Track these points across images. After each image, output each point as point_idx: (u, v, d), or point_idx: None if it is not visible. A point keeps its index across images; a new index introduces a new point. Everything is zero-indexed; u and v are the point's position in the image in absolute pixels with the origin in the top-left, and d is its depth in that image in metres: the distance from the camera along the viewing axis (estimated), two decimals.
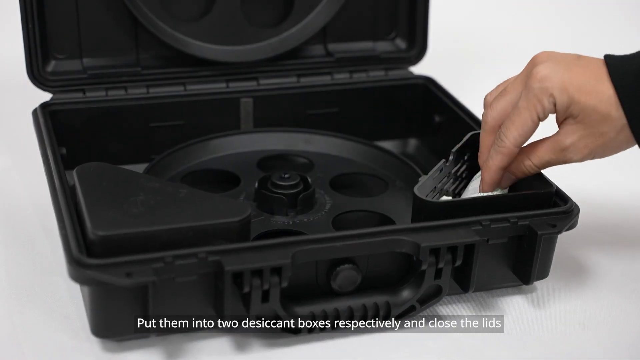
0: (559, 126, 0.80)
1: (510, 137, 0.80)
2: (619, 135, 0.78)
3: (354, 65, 1.05)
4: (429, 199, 0.80)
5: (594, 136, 0.78)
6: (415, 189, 0.80)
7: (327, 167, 0.98)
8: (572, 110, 0.78)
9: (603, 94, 0.77)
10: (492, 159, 0.82)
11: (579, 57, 0.80)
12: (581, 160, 0.80)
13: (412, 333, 0.80)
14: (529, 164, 0.81)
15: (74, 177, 0.79)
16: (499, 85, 0.84)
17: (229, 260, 0.72)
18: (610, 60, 0.78)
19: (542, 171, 0.83)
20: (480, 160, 0.84)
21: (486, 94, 0.85)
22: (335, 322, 0.77)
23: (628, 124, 0.77)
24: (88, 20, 0.97)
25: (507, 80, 0.84)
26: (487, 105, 0.84)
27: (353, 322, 0.77)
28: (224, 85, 1.01)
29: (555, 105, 0.78)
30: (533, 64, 0.80)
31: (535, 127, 0.79)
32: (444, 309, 0.82)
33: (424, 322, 0.81)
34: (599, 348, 0.79)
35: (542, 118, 0.79)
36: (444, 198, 0.84)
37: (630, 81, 0.76)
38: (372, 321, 0.78)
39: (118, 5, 0.97)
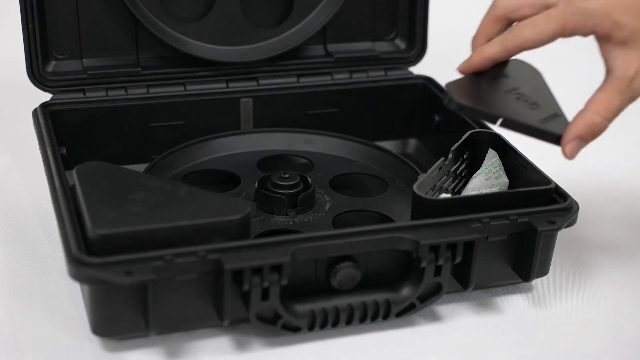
0: (605, 60, 0.77)
1: (523, 37, 0.77)
2: None
3: (354, 66, 1.05)
4: (428, 196, 0.80)
5: None
6: (415, 187, 0.80)
7: (327, 167, 0.98)
8: (619, 35, 0.75)
9: None
10: (491, 46, 0.79)
11: None
12: None
13: (412, 332, 0.80)
14: (598, 119, 0.76)
15: (73, 176, 0.79)
16: None
17: (228, 258, 0.72)
18: None
19: (541, 168, 0.83)
20: (474, 43, 0.81)
21: None
22: (335, 319, 0.77)
23: None
24: (88, 20, 0.97)
25: None
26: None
27: (353, 319, 0.77)
28: (224, 85, 1.01)
29: (595, 29, 0.75)
30: None
31: (551, 41, 0.76)
32: (443, 308, 0.82)
33: (423, 321, 0.81)
34: (599, 348, 0.79)
35: (566, 36, 0.76)
36: (443, 196, 0.84)
37: None
38: (372, 319, 0.78)
39: (118, 5, 0.97)
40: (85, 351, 0.76)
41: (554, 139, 0.79)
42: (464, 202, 0.80)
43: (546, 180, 0.82)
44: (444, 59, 1.08)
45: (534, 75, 0.88)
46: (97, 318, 0.74)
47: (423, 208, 0.80)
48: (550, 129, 0.79)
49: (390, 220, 0.89)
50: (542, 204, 0.81)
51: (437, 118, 1.03)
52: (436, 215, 0.78)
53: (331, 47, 1.06)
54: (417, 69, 1.08)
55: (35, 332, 0.78)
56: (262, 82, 1.02)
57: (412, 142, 1.09)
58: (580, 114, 0.77)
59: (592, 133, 0.77)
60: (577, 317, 0.83)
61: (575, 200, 0.82)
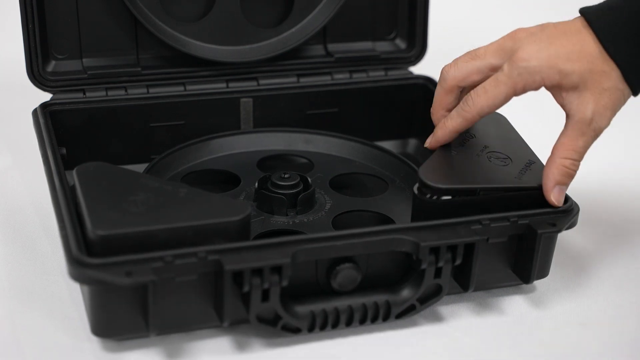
0: (562, 106, 0.80)
1: (479, 106, 0.80)
2: (624, 84, 0.78)
3: (354, 65, 1.05)
4: (428, 198, 0.80)
5: (604, 95, 0.78)
6: (415, 188, 0.80)
7: (327, 167, 0.98)
8: (569, 82, 0.78)
9: (591, 54, 0.77)
10: (452, 120, 0.82)
11: (555, 25, 0.80)
12: (609, 123, 0.79)
13: (412, 333, 0.80)
14: (569, 162, 0.80)
15: (73, 176, 0.79)
16: (462, 57, 0.84)
17: (228, 260, 0.72)
18: (589, 15, 0.79)
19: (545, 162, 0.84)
20: (434, 116, 0.85)
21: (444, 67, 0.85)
22: (335, 321, 0.77)
23: (622, 74, 0.78)
24: (88, 20, 0.96)
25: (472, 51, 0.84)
26: (447, 67, 0.84)
27: (353, 321, 0.77)
28: (224, 85, 1.01)
29: (543, 82, 0.78)
30: (513, 41, 0.79)
31: (505, 103, 0.80)
32: (444, 308, 0.82)
33: (424, 321, 0.81)
34: (599, 348, 0.79)
35: (518, 94, 0.79)
36: (444, 197, 0.84)
37: (613, 31, 0.77)
38: (372, 320, 0.78)
39: (118, 5, 0.96)
40: (85, 351, 0.76)
41: (534, 190, 0.81)
42: (465, 204, 0.80)
43: None
44: (444, 59, 1.08)
45: (499, 123, 0.91)
46: (97, 319, 0.74)
47: (423, 209, 0.80)
48: (529, 183, 0.82)
49: (391, 220, 0.89)
50: (542, 206, 0.81)
51: None
52: (436, 216, 0.78)
53: (331, 47, 1.06)
54: (417, 69, 1.08)
55: (35, 332, 0.78)
56: (262, 82, 1.02)
57: (412, 142, 1.09)
58: (550, 161, 0.80)
59: (569, 175, 0.80)
60: (577, 317, 0.83)
61: (575, 202, 0.82)
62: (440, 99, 0.85)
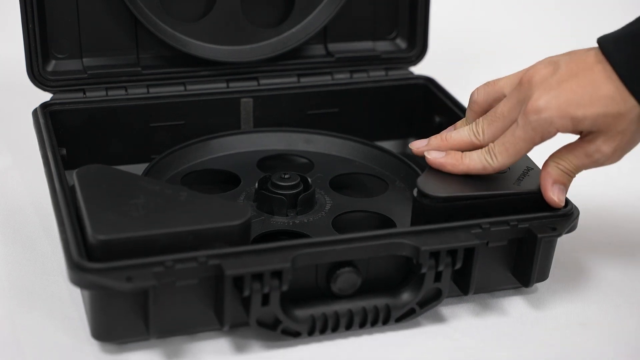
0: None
1: (501, 163, 0.80)
2: (638, 125, 0.76)
3: (354, 65, 1.05)
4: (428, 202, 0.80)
5: (617, 137, 0.76)
6: (415, 192, 0.80)
7: (327, 167, 0.98)
8: (582, 127, 0.76)
9: (605, 96, 0.75)
10: (471, 162, 0.81)
11: (568, 63, 0.77)
12: (617, 161, 0.78)
13: (412, 334, 0.80)
14: (563, 166, 0.79)
15: (74, 179, 0.79)
16: (489, 83, 0.84)
17: (229, 264, 0.72)
18: (607, 47, 0.75)
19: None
20: (454, 159, 0.83)
21: (474, 89, 0.85)
22: (335, 324, 0.77)
23: None
24: (88, 20, 0.96)
25: (498, 80, 0.83)
26: (475, 106, 0.83)
27: (353, 325, 0.78)
28: (224, 85, 1.01)
29: (558, 131, 0.77)
30: (528, 86, 0.78)
31: (527, 152, 0.79)
32: (444, 309, 0.82)
33: (424, 322, 0.81)
34: (599, 349, 0.79)
35: (538, 144, 0.78)
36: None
37: (634, 64, 0.74)
38: (372, 324, 0.78)
39: (118, 5, 0.96)
40: (85, 351, 0.76)
41: (534, 193, 0.81)
42: (465, 208, 0.80)
43: None
44: (444, 59, 1.09)
45: None
46: (98, 323, 0.74)
47: (423, 213, 0.80)
48: (527, 188, 0.81)
49: (391, 220, 0.89)
50: (542, 209, 0.81)
51: (437, 118, 1.03)
52: (436, 220, 0.78)
53: (332, 46, 1.06)
54: (417, 69, 1.08)
55: (35, 333, 0.78)
56: (262, 82, 1.02)
57: None
58: (545, 163, 0.80)
59: (565, 175, 0.79)
60: (577, 318, 0.83)
61: (575, 206, 0.82)
62: (460, 147, 0.83)
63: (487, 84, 0.84)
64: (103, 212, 0.74)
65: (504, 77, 0.83)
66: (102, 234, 0.71)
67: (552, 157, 0.80)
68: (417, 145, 0.86)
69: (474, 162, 0.81)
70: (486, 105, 0.84)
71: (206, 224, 0.74)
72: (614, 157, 0.78)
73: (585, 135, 0.78)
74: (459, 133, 0.84)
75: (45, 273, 0.86)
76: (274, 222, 0.88)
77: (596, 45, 0.77)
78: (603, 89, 0.75)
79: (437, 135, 0.86)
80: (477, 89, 0.85)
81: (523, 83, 0.79)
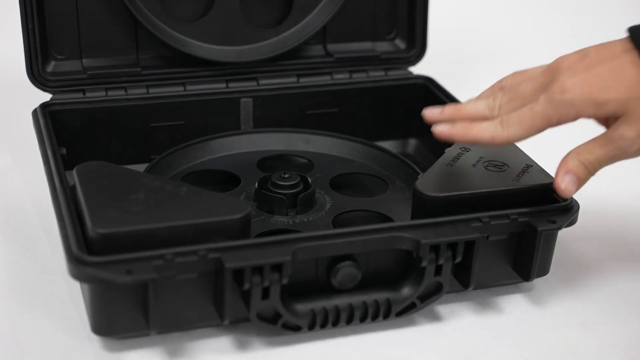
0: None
1: (511, 134, 0.78)
2: None
3: (354, 66, 1.05)
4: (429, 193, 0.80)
5: (639, 122, 0.75)
6: (415, 191, 0.80)
7: (327, 167, 0.98)
8: (605, 112, 0.76)
9: (630, 80, 0.74)
10: (479, 131, 0.79)
11: (597, 50, 0.77)
12: (638, 153, 0.77)
13: (412, 332, 0.80)
14: (584, 157, 0.78)
15: (74, 175, 0.79)
16: (517, 71, 0.83)
17: (229, 258, 0.72)
18: (636, 35, 0.75)
19: (542, 166, 0.83)
20: (462, 127, 0.81)
21: (503, 77, 0.83)
22: (336, 319, 0.77)
23: None
24: (88, 20, 0.97)
25: (527, 69, 0.82)
26: (505, 88, 0.81)
27: (353, 319, 0.77)
28: (224, 85, 1.01)
29: (578, 115, 0.76)
30: (554, 71, 0.77)
31: (538, 133, 0.78)
32: (443, 308, 0.82)
33: (423, 321, 0.81)
34: (599, 348, 0.79)
35: (552, 127, 0.77)
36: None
37: None
38: (373, 318, 0.78)
39: (118, 6, 0.97)
40: (85, 351, 0.76)
41: (534, 188, 0.81)
42: (465, 201, 0.80)
43: (547, 178, 0.82)
44: (444, 59, 1.09)
45: None
46: (98, 317, 0.73)
47: (423, 207, 0.80)
48: (527, 183, 0.81)
49: (391, 220, 0.89)
50: (542, 203, 0.81)
51: None
52: (437, 214, 0.78)
53: (331, 47, 1.06)
54: (417, 69, 1.08)
55: (35, 332, 0.78)
56: (262, 82, 1.02)
57: (412, 142, 1.09)
58: (567, 154, 0.78)
59: (583, 167, 0.78)
60: (577, 317, 0.83)
61: (575, 200, 0.82)
62: (470, 117, 0.81)
63: (516, 72, 0.83)
64: (103, 207, 0.74)
65: (533, 67, 0.82)
66: (102, 227, 0.71)
67: (575, 148, 0.78)
68: (431, 112, 0.85)
69: (483, 131, 0.79)
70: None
71: (206, 217, 0.74)
72: (638, 142, 0.76)
73: (609, 123, 0.77)
74: (474, 105, 0.82)
75: (45, 273, 0.86)
76: (274, 221, 0.88)
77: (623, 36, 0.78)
78: (628, 74, 0.75)
79: (452, 105, 0.84)
80: (506, 77, 0.83)
81: (550, 68, 0.78)
